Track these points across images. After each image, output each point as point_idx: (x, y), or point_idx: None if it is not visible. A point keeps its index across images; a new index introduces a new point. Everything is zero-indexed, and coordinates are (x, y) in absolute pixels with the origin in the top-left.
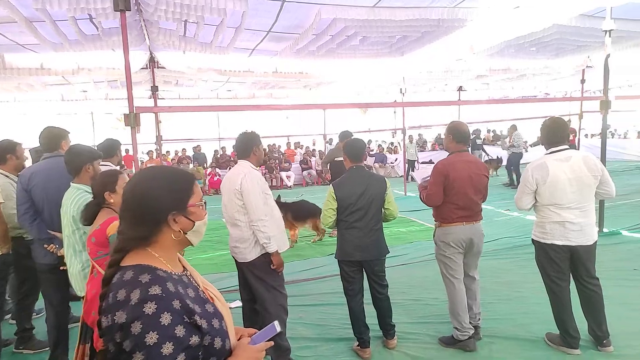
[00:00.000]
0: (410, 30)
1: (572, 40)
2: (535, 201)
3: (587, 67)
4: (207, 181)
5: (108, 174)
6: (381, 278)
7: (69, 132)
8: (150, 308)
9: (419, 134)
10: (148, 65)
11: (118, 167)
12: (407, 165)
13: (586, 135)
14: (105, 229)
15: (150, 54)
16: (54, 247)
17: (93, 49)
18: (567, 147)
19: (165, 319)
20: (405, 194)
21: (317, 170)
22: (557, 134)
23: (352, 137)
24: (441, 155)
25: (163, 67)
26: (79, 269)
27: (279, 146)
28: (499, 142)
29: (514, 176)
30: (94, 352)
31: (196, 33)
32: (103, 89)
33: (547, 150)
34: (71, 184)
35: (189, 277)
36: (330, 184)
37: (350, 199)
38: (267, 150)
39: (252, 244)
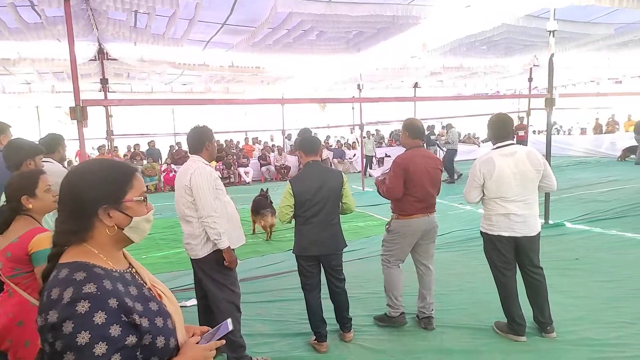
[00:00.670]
0: (366, 27)
1: (520, 40)
2: (483, 194)
3: (534, 66)
4: (162, 177)
5: (26, 175)
6: (338, 272)
7: (9, 126)
8: (83, 307)
9: (377, 130)
10: (97, 57)
11: (60, 164)
12: (364, 160)
13: (534, 132)
14: (26, 244)
15: (99, 45)
16: None
17: (37, 39)
18: (512, 142)
19: (99, 318)
20: (363, 189)
21: (275, 166)
22: (502, 130)
23: (306, 135)
24: (398, 150)
25: (114, 59)
26: None
27: (237, 142)
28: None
29: (453, 171)
30: None
31: (148, 24)
32: (49, 80)
33: (493, 145)
34: None
35: (133, 275)
36: (288, 180)
37: (307, 194)
38: (225, 146)
39: (203, 241)
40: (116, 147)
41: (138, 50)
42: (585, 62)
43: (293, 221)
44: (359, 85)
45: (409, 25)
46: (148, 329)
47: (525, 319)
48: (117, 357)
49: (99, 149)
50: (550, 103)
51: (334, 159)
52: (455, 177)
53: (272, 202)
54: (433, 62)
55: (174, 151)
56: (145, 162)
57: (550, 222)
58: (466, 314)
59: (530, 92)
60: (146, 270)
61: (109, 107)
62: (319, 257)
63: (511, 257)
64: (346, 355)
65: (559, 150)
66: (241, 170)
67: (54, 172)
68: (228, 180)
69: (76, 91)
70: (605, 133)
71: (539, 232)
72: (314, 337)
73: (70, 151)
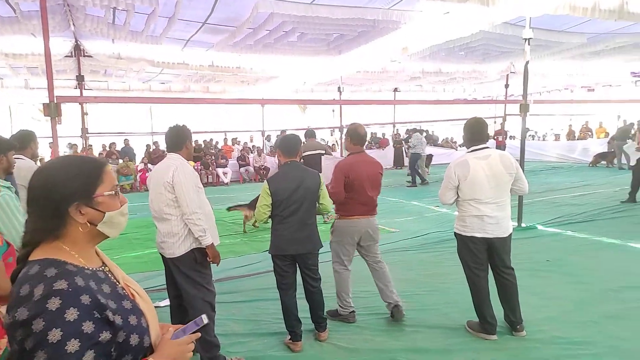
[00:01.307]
0: (347, 29)
1: (497, 47)
2: (457, 196)
3: (511, 72)
4: (138, 177)
5: None
6: (314, 272)
7: None
8: (54, 304)
9: None
10: (73, 53)
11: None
12: None
13: (510, 137)
14: None
15: (76, 41)
16: None
17: (11, 33)
18: (486, 145)
19: (71, 314)
20: None
21: (254, 166)
22: (477, 134)
23: (286, 134)
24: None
25: (90, 56)
26: None
27: (216, 142)
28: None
29: (415, 175)
30: None
31: (126, 21)
32: (22, 75)
33: (468, 148)
34: None
35: (106, 273)
36: (265, 180)
37: (284, 194)
38: (203, 146)
39: (182, 239)
40: (91, 145)
41: (116, 48)
42: (560, 70)
43: (269, 221)
44: (339, 87)
45: (389, 30)
46: (121, 326)
47: (497, 319)
48: (90, 354)
49: (71, 146)
50: (524, 109)
51: None
52: (419, 181)
53: None
54: (413, 66)
55: (151, 150)
56: (120, 161)
57: (523, 224)
58: (439, 314)
59: (506, 98)
60: (119, 269)
61: (84, 104)
62: (295, 256)
63: (484, 258)
64: (320, 354)
65: (533, 155)
66: (219, 170)
67: (26, 168)
68: (206, 181)
69: (50, 87)
70: (578, 139)
71: (511, 234)
72: (289, 336)
73: (44, 149)
